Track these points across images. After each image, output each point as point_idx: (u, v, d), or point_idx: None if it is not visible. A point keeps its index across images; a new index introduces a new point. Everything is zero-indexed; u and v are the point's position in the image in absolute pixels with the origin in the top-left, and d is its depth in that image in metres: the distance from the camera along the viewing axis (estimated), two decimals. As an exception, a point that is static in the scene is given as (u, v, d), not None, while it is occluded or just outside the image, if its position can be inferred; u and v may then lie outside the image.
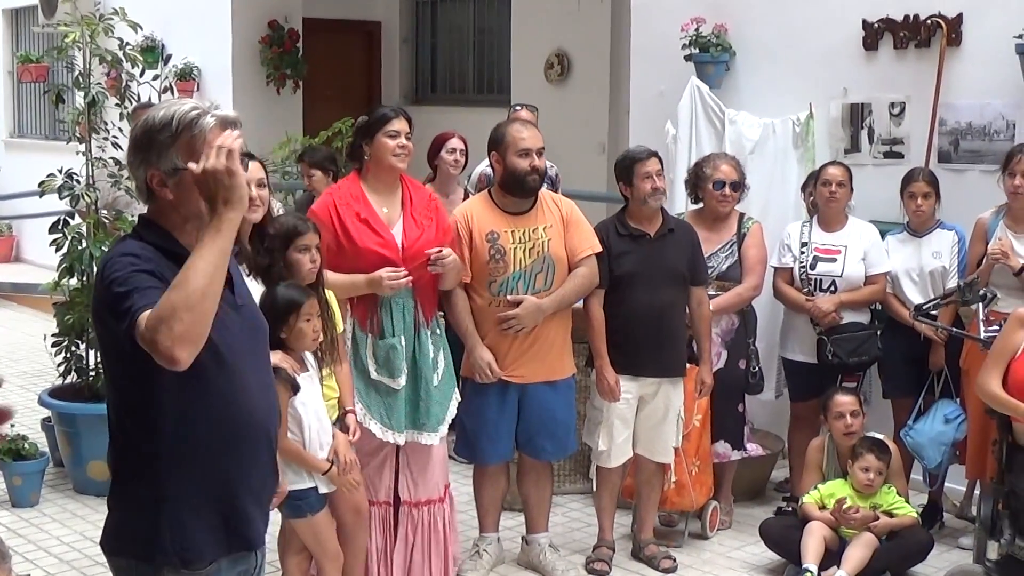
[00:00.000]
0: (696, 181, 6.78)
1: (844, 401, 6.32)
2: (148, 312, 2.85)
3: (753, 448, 7.09)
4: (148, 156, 3.02)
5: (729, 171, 6.74)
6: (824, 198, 6.81)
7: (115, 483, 3.18)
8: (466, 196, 7.53)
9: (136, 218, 3.21)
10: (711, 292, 6.56)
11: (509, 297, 5.77)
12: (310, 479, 4.86)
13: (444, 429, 5.65)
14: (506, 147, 5.81)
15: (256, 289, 4.79)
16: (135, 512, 3.10)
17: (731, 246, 6.71)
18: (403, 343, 5.46)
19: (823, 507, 6.12)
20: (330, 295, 5.12)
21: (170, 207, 3.05)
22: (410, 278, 5.37)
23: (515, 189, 5.85)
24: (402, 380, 5.47)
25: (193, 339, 2.84)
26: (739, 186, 6.79)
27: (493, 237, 5.78)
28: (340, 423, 5.06)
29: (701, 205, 6.82)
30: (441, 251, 5.46)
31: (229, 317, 3.07)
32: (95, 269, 7.32)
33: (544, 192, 6.06)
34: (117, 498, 3.18)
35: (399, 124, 5.50)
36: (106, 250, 3.14)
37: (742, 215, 6.90)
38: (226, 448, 3.09)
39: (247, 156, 4.91)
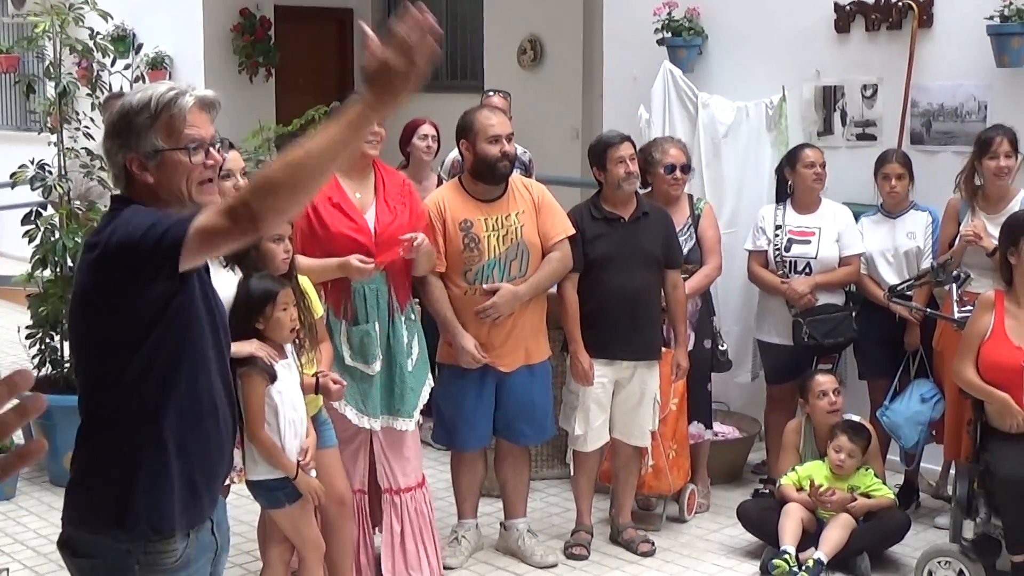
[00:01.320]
0: (645, 166, 6.76)
1: (824, 380, 6.36)
2: (204, 215, 2.77)
3: (730, 431, 7.11)
4: (127, 140, 3.01)
5: (678, 154, 6.74)
6: (810, 180, 6.82)
7: (84, 461, 3.17)
8: (439, 182, 7.51)
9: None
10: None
11: (485, 286, 5.77)
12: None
13: (418, 415, 5.65)
14: (475, 134, 5.81)
15: (231, 279, 4.79)
16: (106, 487, 3.11)
17: (688, 228, 6.71)
18: (377, 329, 5.46)
19: (800, 489, 6.15)
20: (305, 281, 5.11)
21: (149, 191, 3.03)
22: (376, 266, 5.37)
23: (486, 176, 5.84)
24: (377, 366, 5.47)
25: (285, 216, 2.86)
26: (688, 168, 6.81)
27: (467, 226, 5.78)
28: (315, 387, 5.03)
29: (649, 190, 6.80)
30: (415, 237, 5.45)
31: (204, 303, 3.09)
32: (68, 261, 7.29)
33: (515, 177, 6.06)
34: (86, 475, 3.18)
35: None
36: (80, 241, 3.10)
37: (691, 196, 6.94)
38: (192, 426, 3.12)
39: (227, 143, 4.91)
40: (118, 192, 3.14)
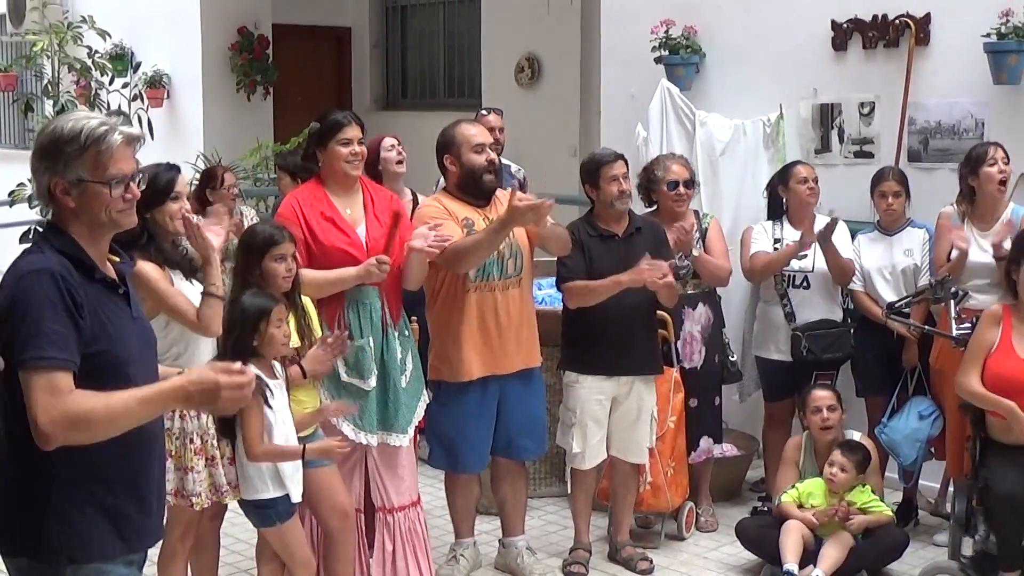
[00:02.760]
0: (648, 184, 6.78)
1: (821, 396, 6.36)
2: (60, 379, 3.01)
3: (728, 448, 7.11)
4: (54, 165, 3.17)
5: (680, 170, 6.76)
6: (803, 196, 6.84)
7: (4, 484, 3.23)
8: (415, 199, 7.43)
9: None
10: (689, 291, 6.65)
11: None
12: (278, 488, 4.83)
13: (412, 431, 5.65)
14: (459, 147, 5.82)
15: (194, 290, 4.80)
16: (26, 512, 3.18)
17: (696, 243, 6.73)
18: (371, 344, 5.45)
19: (800, 506, 6.14)
20: (307, 301, 5.11)
21: (71, 213, 3.19)
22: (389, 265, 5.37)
23: (473, 187, 5.84)
24: (372, 381, 5.46)
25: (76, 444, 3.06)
26: (691, 184, 6.82)
27: (469, 224, 5.79)
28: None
29: (654, 208, 6.82)
30: (439, 223, 5.50)
31: (127, 329, 3.23)
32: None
33: (499, 192, 6.00)
34: (6, 499, 3.23)
35: (351, 131, 5.47)
36: (20, 256, 3.25)
37: (697, 212, 6.96)
38: (118, 462, 3.21)
39: (174, 168, 4.98)
40: (49, 218, 3.31)
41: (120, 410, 3.03)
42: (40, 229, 7.48)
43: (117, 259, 3.35)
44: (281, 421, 4.79)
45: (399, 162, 7.37)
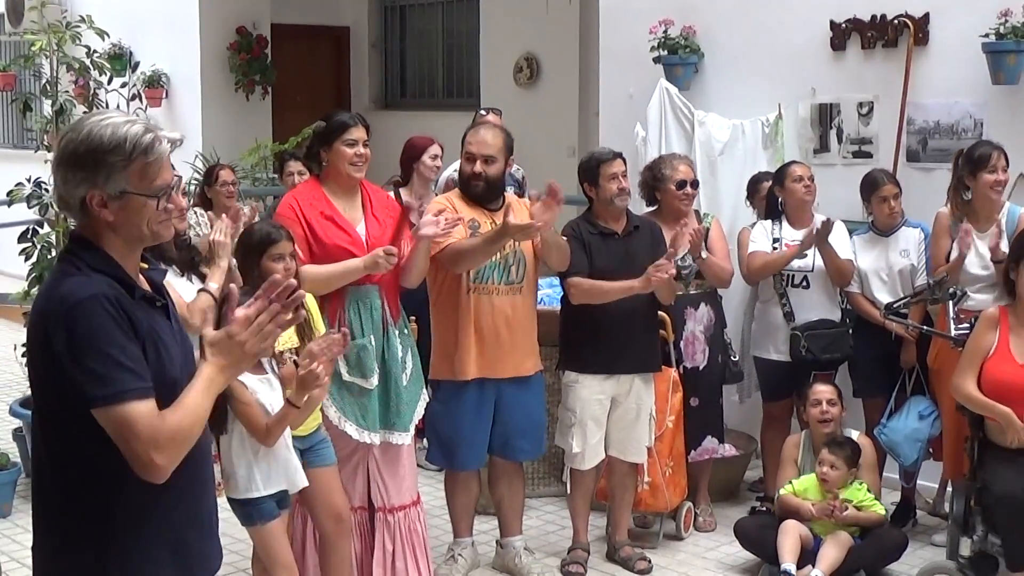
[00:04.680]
0: (653, 183, 6.78)
1: (822, 389, 6.38)
2: (146, 407, 2.79)
3: (727, 448, 7.12)
4: (92, 176, 2.86)
5: (687, 170, 6.78)
6: (800, 194, 6.84)
7: (52, 549, 2.99)
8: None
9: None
10: (691, 291, 6.64)
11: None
12: (264, 488, 4.80)
13: (413, 429, 5.65)
14: (462, 150, 5.90)
15: (190, 288, 4.78)
16: (77, 568, 2.94)
17: (701, 239, 6.72)
18: (372, 343, 5.45)
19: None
20: (309, 299, 5.11)
21: (108, 226, 2.91)
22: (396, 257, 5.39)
23: (464, 192, 5.92)
24: (374, 380, 5.47)
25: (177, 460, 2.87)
26: (696, 184, 6.85)
27: (475, 225, 5.80)
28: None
29: (655, 207, 6.82)
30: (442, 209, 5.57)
31: (173, 347, 2.99)
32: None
33: (511, 197, 6.10)
34: (53, 560, 2.99)
35: (357, 132, 5.47)
36: (57, 280, 2.92)
37: (698, 212, 6.98)
38: (182, 492, 2.98)
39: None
40: (73, 228, 3.03)
41: (197, 408, 2.84)
42: (37, 229, 7.50)
43: (146, 266, 3.08)
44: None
45: (435, 170, 7.83)
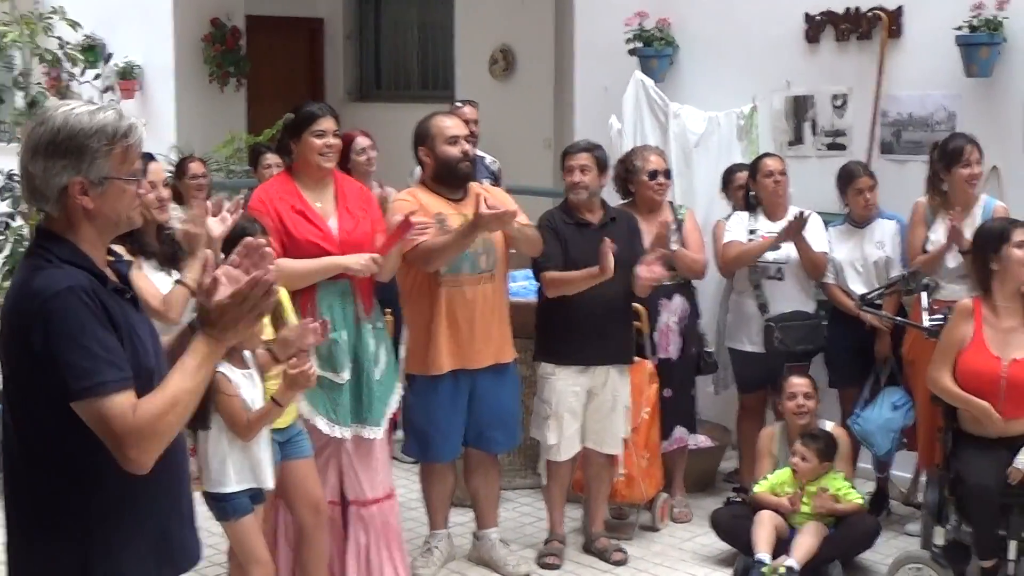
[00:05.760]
0: (626, 175, 6.80)
1: (798, 383, 6.39)
2: (125, 399, 2.77)
3: (702, 439, 7.14)
4: (77, 163, 2.87)
5: (659, 160, 6.79)
6: (770, 189, 6.86)
7: (30, 545, 2.96)
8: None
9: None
10: (665, 283, 6.62)
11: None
12: (239, 483, 4.79)
13: (386, 423, 5.65)
14: (433, 138, 5.84)
15: (165, 280, 4.76)
16: (59, 557, 2.93)
17: (674, 232, 6.74)
18: (344, 337, 5.44)
19: (775, 495, 6.17)
20: (281, 292, 5.09)
21: (86, 214, 2.92)
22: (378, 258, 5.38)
23: (448, 178, 5.87)
24: (346, 374, 5.45)
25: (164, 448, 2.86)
26: (669, 174, 6.87)
27: (441, 219, 5.79)
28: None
29: (630, 199, 6.83)
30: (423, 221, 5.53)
31: (146, 337, 3.00)
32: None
33: (473, 184, 6.08)
34: (32, 555, 2.96)
35: (326, 123, 5.44)
36: (28, 274, 2.90)
37: (672, 203, 6.99)
38: (162, 483, 2.97)
39: (147, 157, 4.92)
40: (39, 222, 3.00)
41: (182, 393, 2.81)
42: (9, 223, 7.45)
43: (111, 258, 3.07)
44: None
45: (368, 163, 7.47)
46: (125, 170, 2.93)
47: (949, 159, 6.36)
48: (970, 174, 6.33)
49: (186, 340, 2.97)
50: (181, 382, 2.82)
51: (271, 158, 8.02)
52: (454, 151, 5.83)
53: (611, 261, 5.82)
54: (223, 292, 2.82)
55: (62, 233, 2.93)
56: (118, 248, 4.51)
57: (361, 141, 7.49)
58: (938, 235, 6.38)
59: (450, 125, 5.89)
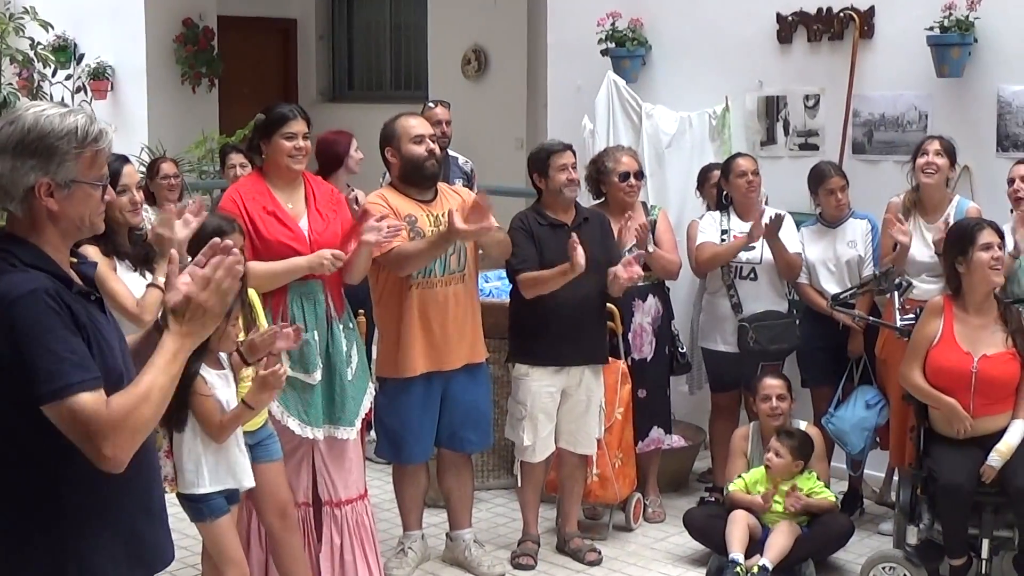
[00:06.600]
0: (597, 176, 6.80)
1: (772, 384, 6.40)
2: (96, 397, 2.75)
3: (675, 439, 7.15)
4: (45, 164, 2.86)
5: (630, 162, 6.78)
6: (743, 189, 6.86)
7: (1, 548, 2.90)
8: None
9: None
10: (639, 283, 6.60)
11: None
12: (213, 484, 4.77)
13: (359, 423, 5.63)
14: (399, 139, 5.84)
15: (139, 282, 4.75)
16: (33, 572, 2.90)
17: (647, 233, 6.74)
18: (316, 337, 5.43)
19: (749, 493, 6.18)
20: (252, 294, 5.07)
21: (50, 216, 2.91)
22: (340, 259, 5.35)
23: (415, 177, 5.86)
24: (317, 375, 5.44)
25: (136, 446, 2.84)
26: (641, 175, 6.85)
27: (411, 220, 5.78)
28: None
29: (602, 200, 6.83)
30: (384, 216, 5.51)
31: (112, 339, 2.98)
32: None
33: (442, 185, 6.09)
34: (4, 560, 2.90)
35: (296, 126, 5.42)
36: None
37: (645, 204, 6.99)
38: (132, 482, 2.94)
39: (122, 159, 4.90)
40: (2, 225, 2.97)
41: (154, 390, 2.79)
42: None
43: (75, 260, 3.06)
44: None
45: (359, 163, 7.47)
46: (93, 175, 2.92)
47: (914, 153, 6.47)
48: (925, 162, 6.37)
49: (152, 340, 2.95)
50: (153, 378, 2.81)
51: (236, 158, 8.01)
52: (419, 150, 5.82)
53: (581, 255, 5.82)
54: (184, 280, 2.83)
55: (25, 236, 2.91)
56: (91, 249, 4.53)
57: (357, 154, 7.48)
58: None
59: (415, 124, 5.89)
